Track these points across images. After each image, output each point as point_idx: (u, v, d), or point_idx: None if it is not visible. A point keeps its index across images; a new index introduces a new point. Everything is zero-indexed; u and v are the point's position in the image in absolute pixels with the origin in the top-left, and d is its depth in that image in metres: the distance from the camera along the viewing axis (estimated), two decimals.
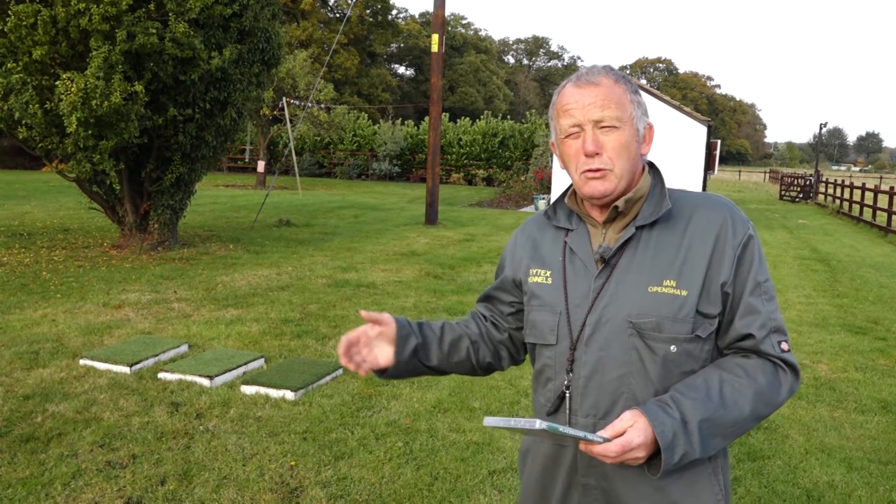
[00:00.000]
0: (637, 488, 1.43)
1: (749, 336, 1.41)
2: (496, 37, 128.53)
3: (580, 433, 1.29)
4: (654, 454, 1.34)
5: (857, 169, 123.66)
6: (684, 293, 1.39)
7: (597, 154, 1.42)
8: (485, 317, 1.71)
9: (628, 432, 1.31)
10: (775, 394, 1.40)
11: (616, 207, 1.46)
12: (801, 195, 32.00)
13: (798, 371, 1.44)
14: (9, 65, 8.65)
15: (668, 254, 1.43)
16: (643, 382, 1.41)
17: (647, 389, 1.41)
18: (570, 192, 1.57)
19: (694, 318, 1.40)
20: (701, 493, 1.44)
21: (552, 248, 1.57)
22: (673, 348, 1.40)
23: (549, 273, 1.54)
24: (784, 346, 1.42)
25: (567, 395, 1.48)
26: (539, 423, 1.25)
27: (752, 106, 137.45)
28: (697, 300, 1.39)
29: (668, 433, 1.31)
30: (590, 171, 1.43)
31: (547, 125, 34.35)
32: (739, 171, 78.41)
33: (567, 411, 1.48)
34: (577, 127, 1.43)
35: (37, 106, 8.59)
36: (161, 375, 4.92)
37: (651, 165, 1.55)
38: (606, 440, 1.30)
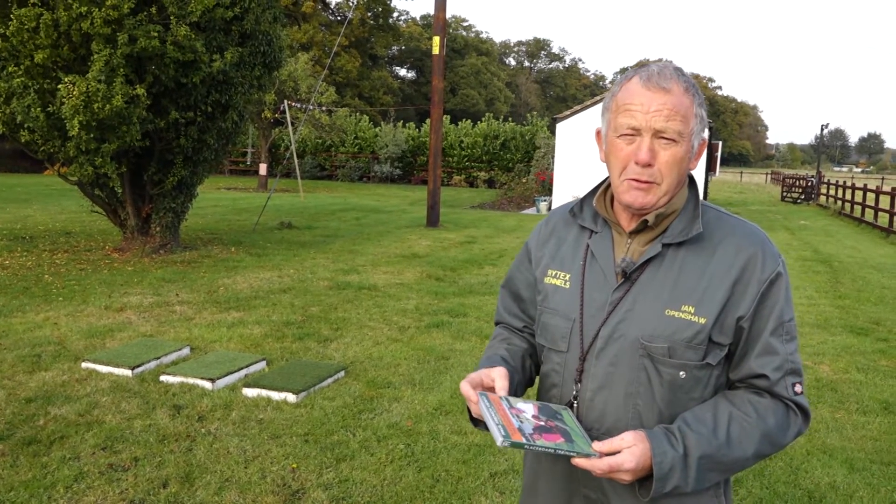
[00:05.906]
0: None
1: (763, 376, 1.38)
2: (497, 39, 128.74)
3: (562, 448, 1.26)
4: (646, 476, 1.32)
5: (859, 170, 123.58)
6: (702, 321, 1.35)
7: (649, 165, 1.35)
8: (520, 329, 1.65)
9: (623, 453, 1.29)
10: (782, 436, 1.38)
11: (645, 221, 1.41)
12: (802, 196, 31.96)
13: (808, 414, 1.41)
14: (10, 68, 8.67)
15: (692, 278, 1.38)
16: (649, 403, 1.39)
17: (652, 411, 1.39)
18: (599, 193, 1.51)
19: (707, 346, 1.37)
20: None
21: (574, 249, 1.51)
22: (682, 374, 1.37)
23: (567, 276, 1.49)
24: (798, 388, 1.39)
25: (575, 405, 1.45)
26: (501, 441, 1.22)
27: (754, 107, 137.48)
28: (712, 329, 1.36)
29: (665, 465, 1.30)
30: (637, 180, 1.37)
31: (548, 127, 34.32)
32: (741, 173, 78.41)
33: None
34: (635, 130, 1.35)
35: (39, 109, 8.60)
36: (163, 378, 4.92)
37: (689, 177, 1.47)
38: (594, 455, 1.28)
